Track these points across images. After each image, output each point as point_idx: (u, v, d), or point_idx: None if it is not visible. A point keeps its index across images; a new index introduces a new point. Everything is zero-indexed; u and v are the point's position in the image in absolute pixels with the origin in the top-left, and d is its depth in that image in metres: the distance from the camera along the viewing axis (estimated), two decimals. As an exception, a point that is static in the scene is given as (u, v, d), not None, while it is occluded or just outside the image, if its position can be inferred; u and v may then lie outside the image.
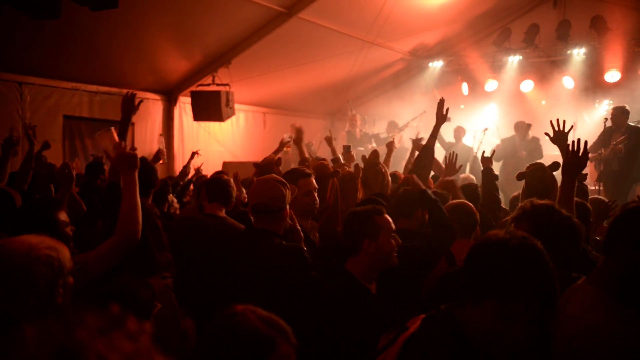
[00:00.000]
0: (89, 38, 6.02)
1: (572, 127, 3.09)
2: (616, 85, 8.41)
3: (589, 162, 7.35)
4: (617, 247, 1.77)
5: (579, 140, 2.67)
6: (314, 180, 3.23)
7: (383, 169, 4.07)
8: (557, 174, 3.30)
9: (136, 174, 2.33)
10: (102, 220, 2.95)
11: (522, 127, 8.26)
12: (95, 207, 3.48)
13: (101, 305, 0.77)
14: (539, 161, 3.78)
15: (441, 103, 4.02)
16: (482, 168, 6.90)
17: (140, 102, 3.27)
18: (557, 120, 3.09)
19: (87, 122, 7.28)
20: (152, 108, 8.19)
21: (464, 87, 9.96)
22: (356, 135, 9.34)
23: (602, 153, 7.30)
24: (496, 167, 8.22)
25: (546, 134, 3.21)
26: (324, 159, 4.56)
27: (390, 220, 2.42)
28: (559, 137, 2.95)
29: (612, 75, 8.43)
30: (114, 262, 2.15)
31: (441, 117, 3.99)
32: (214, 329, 1.26)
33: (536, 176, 3.38)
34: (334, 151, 5.65)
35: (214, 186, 3.49)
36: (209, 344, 1.26)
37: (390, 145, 5.72)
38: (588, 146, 2.75)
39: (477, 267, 1.50)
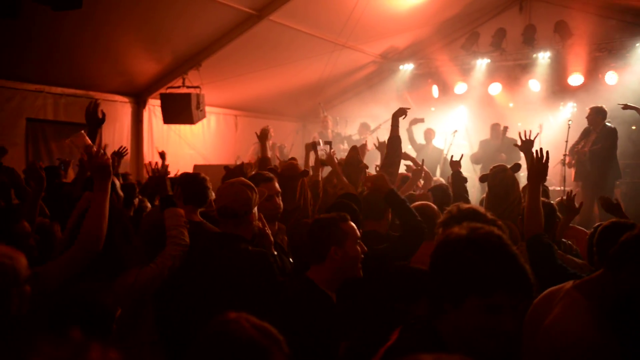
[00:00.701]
0: (52, 38, 5.86)
1: (537, 134, 3.27)
2: (580, 88, 8.65)
3: (569, 167, 7.61)
4: (626, 267, 1.77)
5: (541, 149, 2.80)
6: (276, 185, 3.20)
7: (366, 167, 4.18)
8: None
9: (109, 183, 2.29)
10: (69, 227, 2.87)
11: (497, 130, 8.43)
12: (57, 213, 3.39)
13: (60, 326, 0.72)
14: (501, 164, 3.88)
15: (401, 110, 4.32)
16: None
17: (104, 115, 3.16)
18: (525, 131, 3.28)
19: (52, 125, 7.08)
20: (120, 111, 8.03)
21: (434, 90, 10.09)
22: (328, 137, 9.37)
23: (566, 155, 7.50)
24: (478, 170, 8.38)
25: (515, 144, 3.45)
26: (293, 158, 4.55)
27: (355, 227, 2.40)
28: (526, 145, 3.17)
29: (576, 79, 8.67)
30: (75, 271, 2.10)
31: (400, 111, 4.33)
32: (207, 336, 1.23)
33: (497, 178, 3.55)
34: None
35: (190, 186, 3.22)
36: (202, 352, 1.22)
37: (363, 148, 5.73)
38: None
39: (448, 269, 1.48)
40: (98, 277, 2.29)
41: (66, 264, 2.09)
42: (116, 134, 7.90)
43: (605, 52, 8.48)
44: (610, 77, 8.35)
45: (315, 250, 2.34)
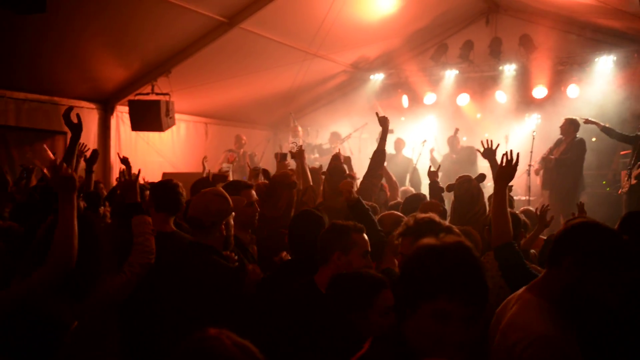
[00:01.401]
0: (14, 42, 5.68)
1: (498, 144, 3.38)
2: (544, 100, 8.92)
3: (537, 175, 7.88)
4: (564, 261, 1.83)
5: (511, 151, 2.82)
6: (254, 192, 3.23)
7: (354, 177, 4.18)
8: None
9: (75, 197, 2.22)
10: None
11: (452, 140, 8.64)
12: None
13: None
14: (467, 174, 3.97)
15: (384, 119, 4.30)
16: (420, 179, 7.15)
17: (79, 119, 3.08)
18: (487, 140, 3.38)
19: (14, 131, 6.85)
20: (86, 117, 7.82)
21: (404, 100, 10.22)
22: (297, 145, 9.38)
23: (532, 165, 7.75)
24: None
25: (478, 150, 3.54)
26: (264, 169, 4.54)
27: (367, 240, 2.44)
28: (488, 153, 3.26)
29: (540, 91, 8.94)
30: (46, 290, 2.02)
31: (386, 124, 4.31)
32: (186, 354, 1.17)
33: (463, 188, 3.66)
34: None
35: (162, 193, 3.13)
36: None
37: (348, 160, 5.74)
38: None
39: (408, 274, 1.51)
40: (65, 290, 2.22)
41: (36, 284, 2.01)
42: (82, 141, 7.66)
43: (567, 65, 8.78)
44: (572, 90, 8.64)
45: (321, 250, 2.40)
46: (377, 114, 4.44)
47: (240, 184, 3.23)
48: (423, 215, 2.25)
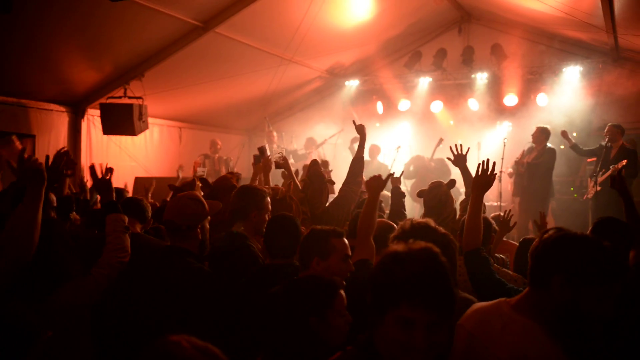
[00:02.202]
0: (-19, 43, 5.55)
1: (468, 148, 3.44)
2: (514, 108, 9.13)
3: (510, 179, 8.10)
4: (553, 282, 1.73)
5: (488, 160, 2.86)
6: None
7: (332, 183, 4.18)
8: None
9: (42, 190, 2.18)
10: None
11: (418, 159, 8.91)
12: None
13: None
14: (439, 180, 4.04)
15: (361, 126, 4.33)
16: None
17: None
18: (456, 145, 3.43)
19: (-21, 133, 6.66)
20: (56, 120, 7.67)
21: (379, 106, 10.32)
22: (274, 152, 9.38)
23: (502, 172, 7.97)
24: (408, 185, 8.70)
25: (448, 158, 3.60)
26: (237, 173, 4.52)
27: (347, 244, 2.45)
28: (459, 159, 3.32)
29: (511, 99, 9.14)
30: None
31: (364, 132, 4.35)
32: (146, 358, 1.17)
33: (432, 193, 3.72)
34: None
35: (129, 205, 3.42)
36: None
37: (325, 164, 5.76)
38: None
39: (374, 282, 1.51)
40: (32, 293, 2.17)
41: None
42: (51, 144, 7.52)
43: (537, 75, 9.01)
44: (542, 99, 8.88)
45: (301, 257, 2.44)
46: (354, 122, 4.46)
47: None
48: (420, 220, 2.27)
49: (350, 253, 2.47)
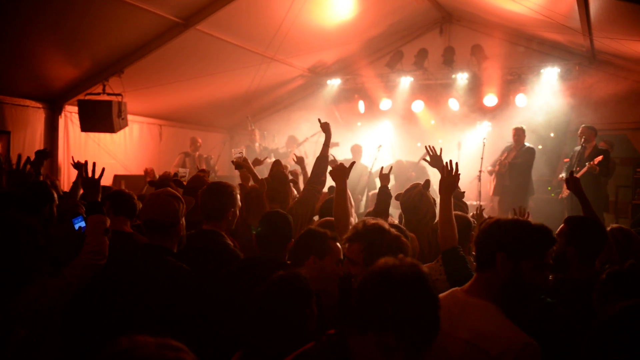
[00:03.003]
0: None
1: (441, 149, 3.52)
2: (494, 108, 9.25)
3: (490, 176, 8.23)
4: (497, 259, 1.90)
5: (451, 161, 2.99)
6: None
7: (294, 182, 4.18)
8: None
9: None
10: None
11: (399, 165, 8.96)
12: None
13: None
14: (415, 182, 4.08)
15: (326, 125, 4.35)
16: (376, 185, 7.20)
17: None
18: (432, 147, 3.51)
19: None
20: (32, 117, 7.51)
21: (361, 105, 10.34)
22: (256, 150, 9.35)
23: (494, 169, 8.10)
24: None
25: (424, 159, 3.65)
26: (207, 171, 4.50)
27: (341, 249, 2.55)
28: (435, 160, 3.38)
29: (490, 100, 9.25)
30: None
31: (329, 130, 4.33)
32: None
33: (406, 195, 3.78)
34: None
35: (119, 199, 3.44)
36: None
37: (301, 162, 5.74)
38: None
39: (362, 297, 1.52)
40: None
41: None
42: (27, 141, 7.37)
43: (516, 76, 9.14)
44: (521, 99, 9.00)
45: (296, 253, 2.52)
46: (319, 120, 4.44)
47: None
48: (373, 221, 2.29)
49: (342, 257, 2.52)
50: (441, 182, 2.91)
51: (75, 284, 2.39)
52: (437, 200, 4.43)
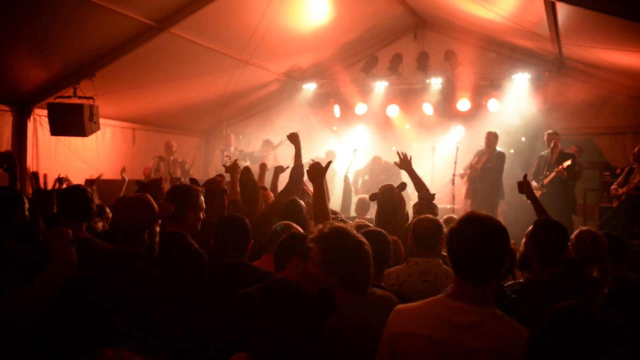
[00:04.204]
0: None
1: (410, 156, 3.68)
2: (467, 113, 9.40)
3: (462, 180, 8.37)
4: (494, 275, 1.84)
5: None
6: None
7: (264, 189, 4.22)
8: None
9: None
10: None
11: (376, 161, 9.07)
12: None
13: None
14: (388, 183, 4.13)
15: (294, 135, 4.40)
16: (351, 188, 7.27)
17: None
18: (400, 151, 3.65)
19: None
20: (-1, 120, 7.32)
21: (336, 109, 10.37)
22: (231, 154, 9.31)
23: (466, 173, 8.25)
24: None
25: (395, 162, 3.84)
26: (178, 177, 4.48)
27: None
28: (404, 163, 3.48)
29: (463, 104, 9.39)
30: None
31: (297, 140, 4.40)
32: None
33: (385, 196, 3.80)
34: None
35: (70, 200, 3.02)
36: None
37: (262, 167, 5.78)
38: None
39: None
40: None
41: None
42: (-6, 145, 7.18)
43: (488, 81, 9.31)
44: (493, 104, 9.17)
45: (279, 256, 2.56)
46: (288, 136, 4.46)
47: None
48: (338, 224, 2.28)
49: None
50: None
51: (44, 294, 2.33)
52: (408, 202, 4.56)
